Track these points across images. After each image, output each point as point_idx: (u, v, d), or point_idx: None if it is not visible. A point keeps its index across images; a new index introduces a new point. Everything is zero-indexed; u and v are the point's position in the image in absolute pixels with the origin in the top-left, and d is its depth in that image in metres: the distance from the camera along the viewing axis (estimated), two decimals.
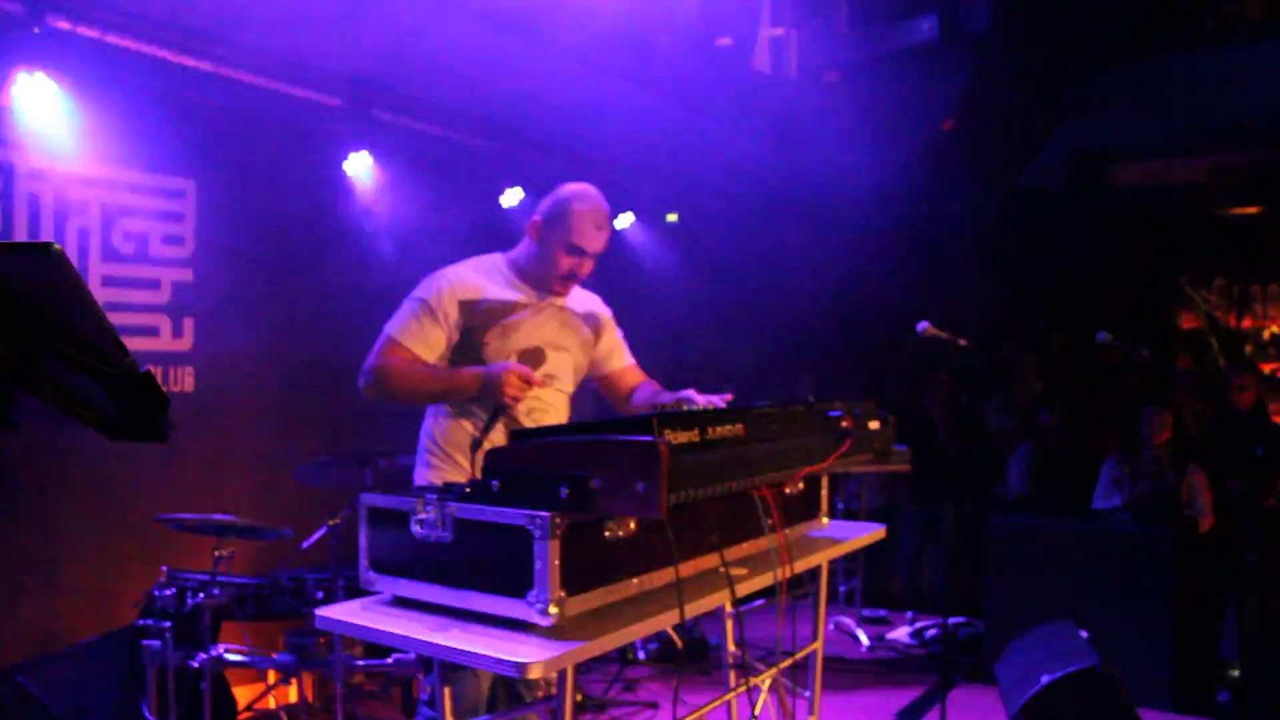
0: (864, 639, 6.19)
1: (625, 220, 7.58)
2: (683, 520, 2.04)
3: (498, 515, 1.81)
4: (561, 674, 1.83)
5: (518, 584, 1.77)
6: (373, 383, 2.75)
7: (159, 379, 4.58)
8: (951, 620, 6.00)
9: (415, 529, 1.92)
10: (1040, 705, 4.01)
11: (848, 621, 6.46)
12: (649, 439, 1.66)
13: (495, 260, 2.95)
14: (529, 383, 2.65)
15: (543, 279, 2.90)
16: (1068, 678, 4.00)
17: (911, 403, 6.83)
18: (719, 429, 1.91)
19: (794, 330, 7.88)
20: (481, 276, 2.88)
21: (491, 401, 2.69)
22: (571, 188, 2.90)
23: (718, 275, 8.34)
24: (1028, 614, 5.03)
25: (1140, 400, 5.83)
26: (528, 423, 2.84)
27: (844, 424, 2.40)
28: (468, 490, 1.94)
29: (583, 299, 3.07)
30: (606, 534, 1.89)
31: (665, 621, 1.94)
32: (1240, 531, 5.41)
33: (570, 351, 2.98)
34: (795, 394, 7.41)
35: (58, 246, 0.77)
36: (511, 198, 6.22)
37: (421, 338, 2.77)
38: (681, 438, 1.78)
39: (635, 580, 1.98)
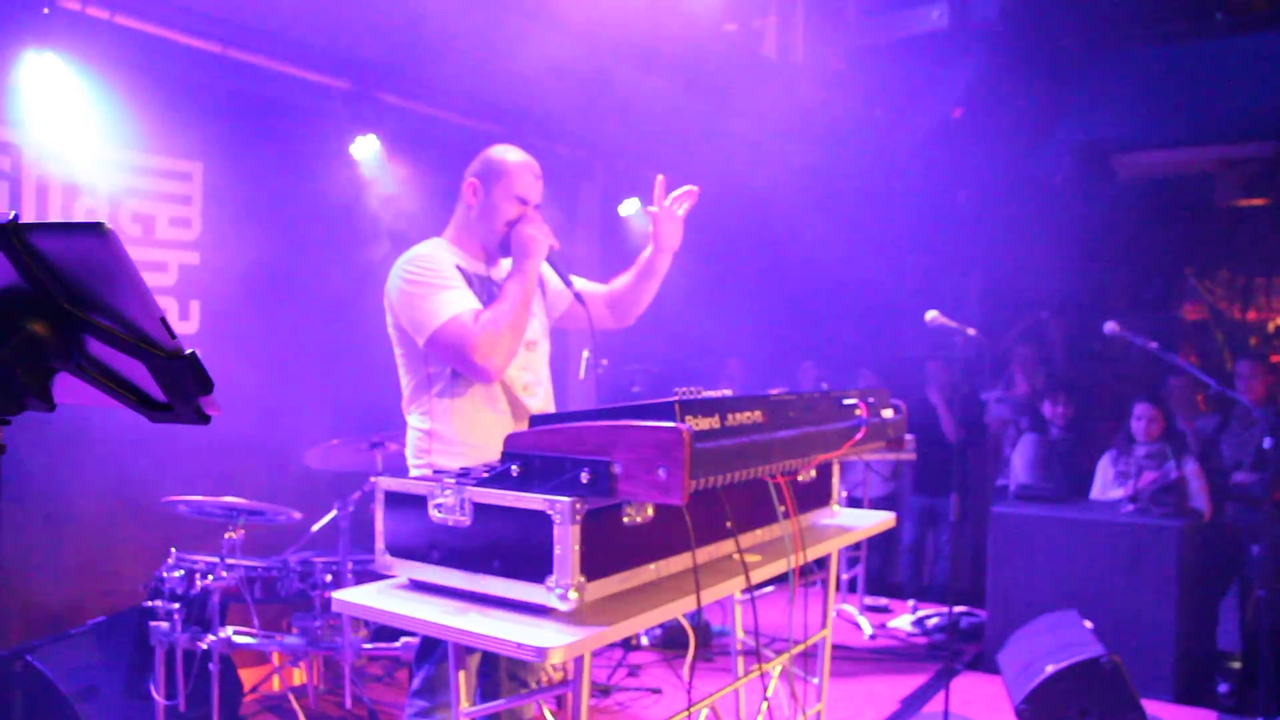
0: (866, 627, 6.21)
1: (630, 206, 7.57)
2: (698, 506, 2.05)
3: (517, 500, 1.80)
4: (578, 659, 1.84)
5: (537, 569, 1.77)
6: (486, 351, 2.60)
7: None
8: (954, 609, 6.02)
9: (433, 513, 1.92)
10: (1045, 695, 4.03)
11: (850, 609, 6.48)
12: (672, 425, 1.66)
13: (435, 244, 2.87)
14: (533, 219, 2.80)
15: (488, 241, 2.86)
16: (1073, 668, 4.02)
17: (913, 391, 6.83)
18: (739, 415, 1.91)
19: (797, 316, 7.88)
20: (444, 252, 2.83)
21: (540, 255, 2.76)
22: (498, 146, 2.91)
23: (721, 261, 8.33)
24: (1030, 604, 5.06)
25: (1141, 392, 5.82)
26: (525, 395, 2.81)
27: (859, 412, 2.40)
28: (486, 475, 1.94)
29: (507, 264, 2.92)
30: (625, 519, 1.89)
31: (682, 608, 1.94)
32: (1245, 523, 5.42)
33: (537, 316, 2.96)
34: (798, 380, 7.42)
35: (109, 226, 0.77)
36: None
37: (463, 298, 2.69)
38: (703, 424, 1.78)
39: (652, 566, 1.98)
